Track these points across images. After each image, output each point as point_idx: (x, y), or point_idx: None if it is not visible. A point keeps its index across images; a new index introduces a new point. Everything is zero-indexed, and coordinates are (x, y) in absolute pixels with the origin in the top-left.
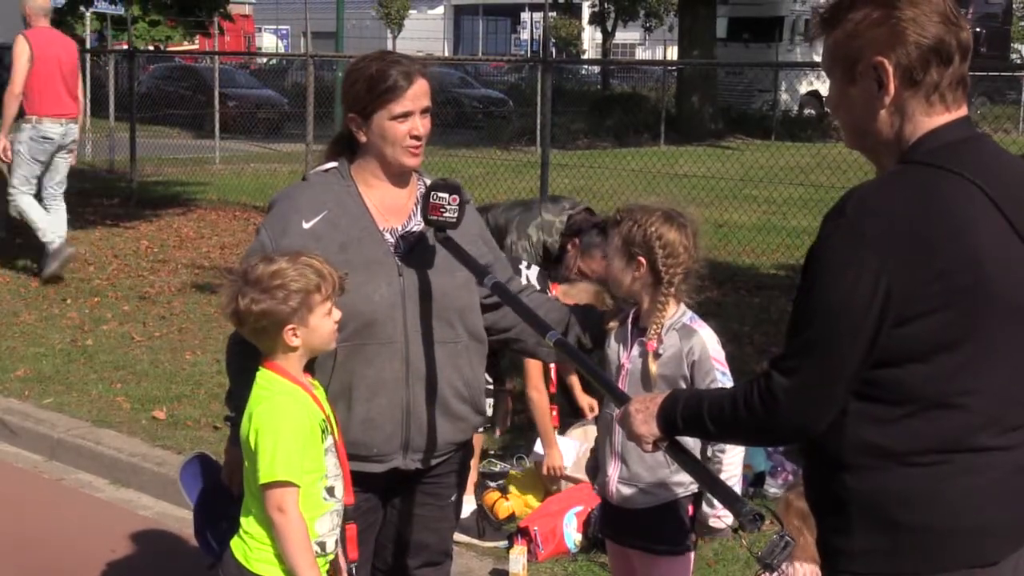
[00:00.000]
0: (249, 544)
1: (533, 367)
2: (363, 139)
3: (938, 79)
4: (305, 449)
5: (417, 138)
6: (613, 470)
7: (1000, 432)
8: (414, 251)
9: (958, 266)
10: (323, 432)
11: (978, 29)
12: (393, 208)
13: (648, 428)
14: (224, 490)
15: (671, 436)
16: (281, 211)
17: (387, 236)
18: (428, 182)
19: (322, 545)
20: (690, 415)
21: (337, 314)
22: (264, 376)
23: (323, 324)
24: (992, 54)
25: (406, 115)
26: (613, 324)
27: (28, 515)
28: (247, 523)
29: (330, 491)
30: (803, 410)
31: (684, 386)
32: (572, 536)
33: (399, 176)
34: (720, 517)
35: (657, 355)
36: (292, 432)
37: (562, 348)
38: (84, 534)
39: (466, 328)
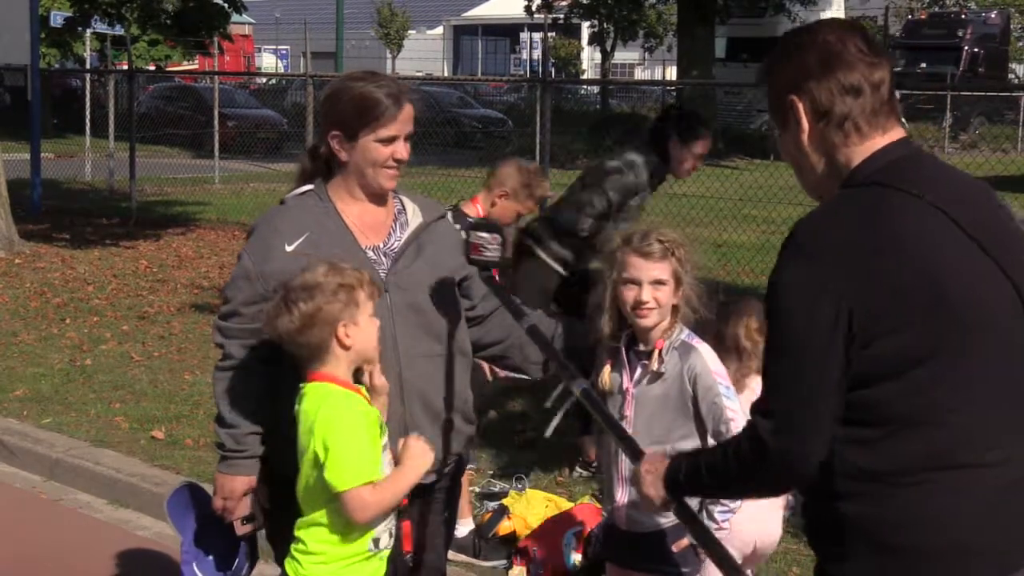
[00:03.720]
0: (303, 563)
1: None
2: (344, 158)
3: (847, 110)
4: (372, 445)
5: (399, 161)
6: (622, 495)
7: (984, 449)
8: (398, 267)
9: (914, 280)
10: (381, 428)
11: (976, 49)
12: (373, 225)
13: (656, 490)
14: (215, 520)
15: (677, 497)
16: (262, 235)
17: (369, 254)
18: (403, 199)
19: (376, 541)
20: (691, 472)
21: (377, 320)
22: (314, 387)
23: (370, 326)
24: (990, 74)
25: (392, 139)
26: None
27: (26, 535)
28: (309, 539)
29: None
30: (790, 447)
31: (691, 406)
32: (571, 556)
33: (377, 196)
34: (720, 528)
35: (659, 375)
36: (361, 433)
37: (587, 398)
38: (82, 554)
39: (454, 341)
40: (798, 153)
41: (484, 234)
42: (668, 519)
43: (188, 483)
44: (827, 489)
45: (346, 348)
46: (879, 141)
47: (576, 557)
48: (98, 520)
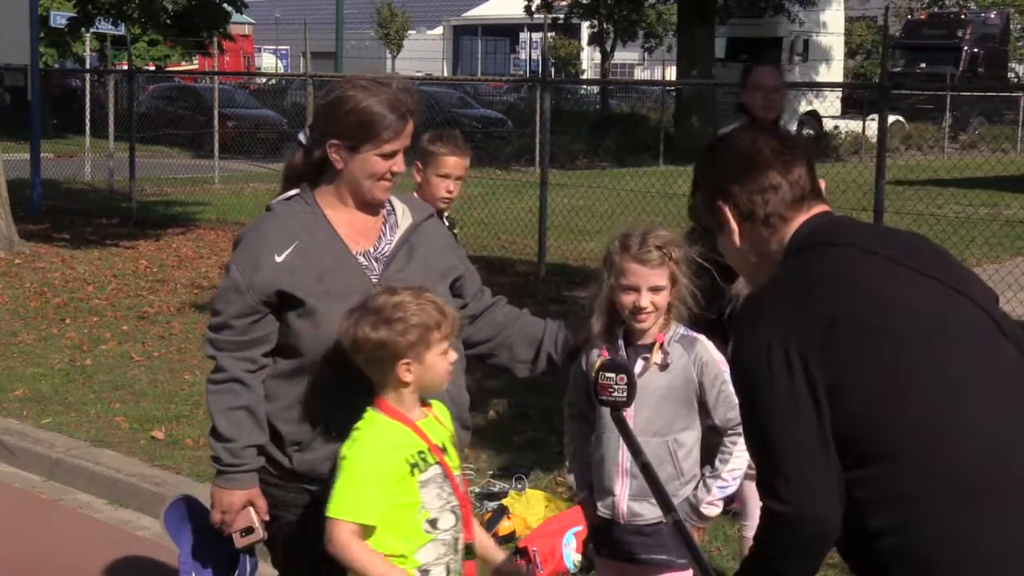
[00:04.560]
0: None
1: None
2: (340, 167)
3: (769, 209)
4: (387, 487)
5: (395, 174)
6: (622, 488)
7: (989, 462)
8: (389, 271)
9: (862, 306)
10: (415, 466)
11: (976, 50)
12: (363, 231)
13: None
14: (213, 533)
15: None
16: (251, 245)
17: (360, 259)
18: (392, 199)
19: (425, 573)
20: None
21: (453, 355)
22: (368, 414)
23: (439, 363)
24: (990, 75)
25: (393, 153)
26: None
27: (26, 535)
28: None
29: (432, 523)
30: (807, 508)
31: (695, 400)
32: (571, 556)
33: (370, 206)
34: (714, 503)
35: (666, 366)
36: (371, 473)
37: (679, 528)
38: (82, 554)
39: None
40: (735, 251)
41: (611, 374)
42: None
43: (184, 496)
44: (861, 535)
45: (404, 384)
46: (802, 217)
47: (576, 557)
48: (98, 520)
